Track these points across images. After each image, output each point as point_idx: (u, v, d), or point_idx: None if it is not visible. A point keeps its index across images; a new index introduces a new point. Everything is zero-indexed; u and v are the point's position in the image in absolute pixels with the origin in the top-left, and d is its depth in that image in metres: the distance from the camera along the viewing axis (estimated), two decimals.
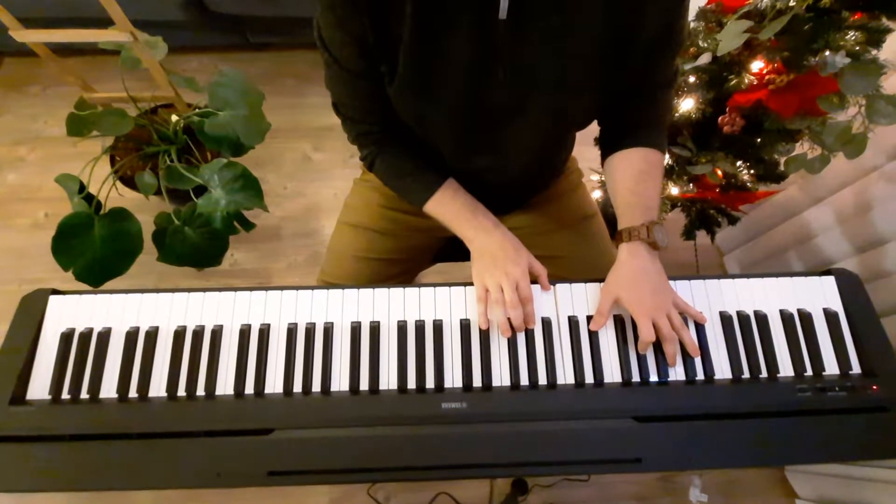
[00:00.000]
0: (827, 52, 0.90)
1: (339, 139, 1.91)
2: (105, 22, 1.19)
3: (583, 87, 0.66)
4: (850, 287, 0.76)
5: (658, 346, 0.71)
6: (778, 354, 0.72)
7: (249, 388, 0.69)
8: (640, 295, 0.71)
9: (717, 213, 1.37)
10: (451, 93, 0.65)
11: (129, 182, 1.47)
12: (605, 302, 0.73)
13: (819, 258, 1.32)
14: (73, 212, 1.23)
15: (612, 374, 0.71)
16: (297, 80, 2.03)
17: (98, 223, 1.23)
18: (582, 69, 0.64)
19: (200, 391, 0.69)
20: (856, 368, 0.72)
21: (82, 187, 1.26)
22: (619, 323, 0.74)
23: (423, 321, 0.74)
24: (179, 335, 0.72)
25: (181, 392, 0.69)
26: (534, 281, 0.76)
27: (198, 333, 0.72)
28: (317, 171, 1.89)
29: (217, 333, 0.72)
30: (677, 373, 0.71)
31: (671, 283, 0.75)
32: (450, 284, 0.77)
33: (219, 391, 0.69)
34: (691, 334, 0.71)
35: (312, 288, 0.76)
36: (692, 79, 1.11)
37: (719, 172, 1.17)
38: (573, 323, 0.73)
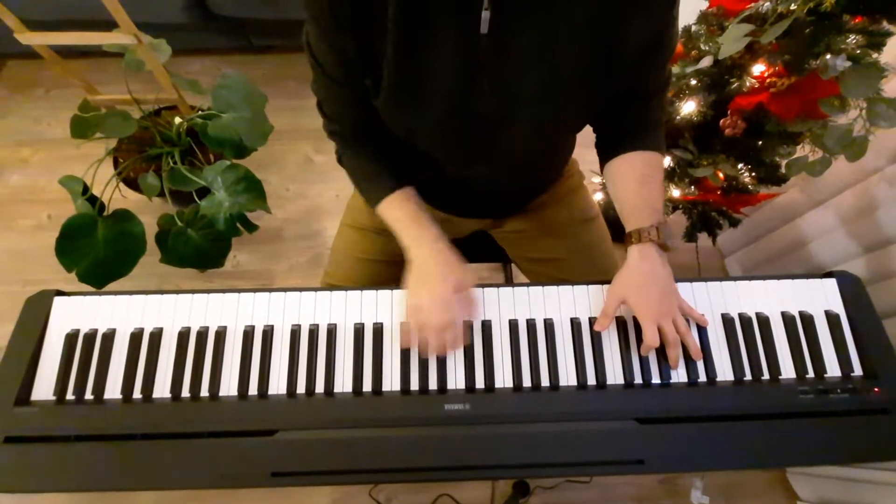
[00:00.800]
0: (828, 56, 0.90)
1: None
2: (109, 24, 1.20)
3: (569, 97, 0.66)
4: (852, 289, 0.76)
5: (660, 349, 0.71)
6: (780, 356, 0.72)
7: (253, 390, 0.70)
8: (648, 299, 0.70)
9: (719, 215, 1.37)
10: (438, 105, 0.65)
11: (133, 184, 1.48)
12: (610, 303, 0.73)
13: (820, 260, 1.32)
14: (77, 213, 1.23)
15: (615, 375, 0.71)
16: (298, 82, 2.04)
17: (101, 225, 1.24)
18: (567, 80, 0.63)
19: (204, 392, 0.70)
20: (857, 370, 0.72)
21: (86, 189, 1.26)
22: (622, 325, 0.74)
23: None
24: (183, 336, 0.72)
25: (185, 393, 0.69)
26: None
27: (202, 335, 0.72)
28: (319, 172, 1.90)
29: (221, 335, 0.73)
30: (679, 375, 0.71)
31: None
32: None
33: (222, 392, 0.70)
34: (694, 337, 0.71)
35: (315, 290, 0.76)
36: (694, 82, 1.12)
37: (721, 175, 1.18)
38: (575, 325, 0.74)
